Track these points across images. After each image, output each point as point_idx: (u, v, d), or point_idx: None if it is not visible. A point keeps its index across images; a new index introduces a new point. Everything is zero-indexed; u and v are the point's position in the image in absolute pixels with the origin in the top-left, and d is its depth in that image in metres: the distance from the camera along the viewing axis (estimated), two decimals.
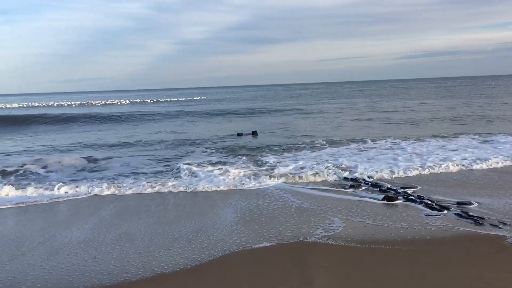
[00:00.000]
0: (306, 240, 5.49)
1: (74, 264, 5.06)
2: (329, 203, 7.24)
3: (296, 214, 6.71)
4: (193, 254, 5.20)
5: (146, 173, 10.12)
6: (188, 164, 10.74)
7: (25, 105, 58.89)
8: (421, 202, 7.04)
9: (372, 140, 14.34)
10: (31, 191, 8.53)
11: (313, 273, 4.54)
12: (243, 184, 8.73)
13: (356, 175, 9.14)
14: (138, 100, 63.85)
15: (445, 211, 6.56)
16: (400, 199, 7.27)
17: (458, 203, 6.89)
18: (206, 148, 14.20)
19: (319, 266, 4.72)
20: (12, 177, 10.10)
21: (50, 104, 60.87)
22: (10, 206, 7.76)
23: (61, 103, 63.23)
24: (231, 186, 8.59)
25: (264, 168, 10.19)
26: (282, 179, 9.00)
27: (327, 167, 9.89)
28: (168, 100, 65.02)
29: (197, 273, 4.70)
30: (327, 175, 9.21)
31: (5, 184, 8.90)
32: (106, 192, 8.48)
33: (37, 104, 61.55)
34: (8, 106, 56.70)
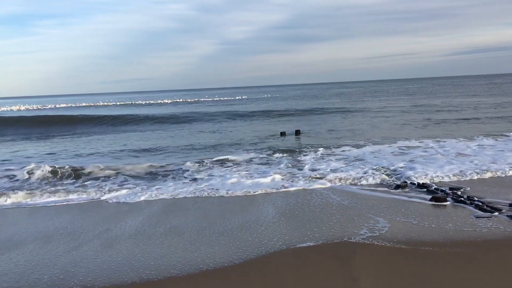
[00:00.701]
0: (350, 240, 5.43)
1: (124, 258, 5.23)
2: (373, 203, 7.14)
3: (338, 213, 6.66)
4: (237, 251, 5.25)
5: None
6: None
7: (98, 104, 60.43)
8: (471, 204, 6.81)
9: (416, 139, 13.97)
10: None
11: (358, 275, 4.48)
12: (285, 183, 8.72)
13: (401, 175, 8.95)
14: (180, 100, 64.92)
15: (496, 213, 6.33)
16: (448, 200, 7.06)
17: (511, 205, 6.62)
18: (248, 148, 14.18)
19: (364, 267, 4.66)
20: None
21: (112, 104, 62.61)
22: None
23: (115, 102, 65.11)
24: (273, 187, 8.56)
25: (306, 167, 10.14)
26: (325, 179, 8.92)
27: (370, 167, 9.74)
28: (210, 99, 65.68)
29: (241, 270, 4.75)
30: (370, 175, 9.06)
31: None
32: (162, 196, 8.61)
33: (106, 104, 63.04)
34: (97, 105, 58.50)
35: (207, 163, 11.04)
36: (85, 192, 8.75)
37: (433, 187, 7.90)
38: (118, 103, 63.39)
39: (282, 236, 5.72)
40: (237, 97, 70.16)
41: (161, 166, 10.86)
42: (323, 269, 4.67)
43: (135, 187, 8.98)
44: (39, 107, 58.25)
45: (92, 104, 65.50)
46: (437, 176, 8.82)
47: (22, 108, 57.62)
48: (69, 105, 65.06)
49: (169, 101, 63.19)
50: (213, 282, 4.51)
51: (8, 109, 56.71)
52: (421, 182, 8.32)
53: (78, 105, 63.95)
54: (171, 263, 4.98)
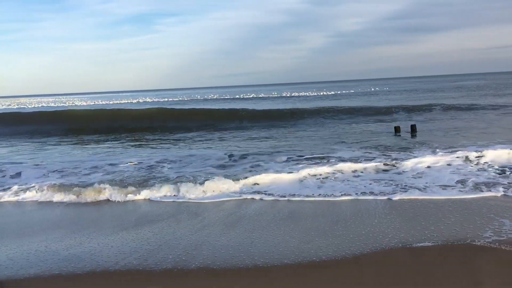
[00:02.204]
0: (474, 243, 5.07)
1: (242, 244, 5.48)
2: (495, 203, 6.61)
3: (457, 211, 6.30)
4: (350, 245, 5.21)
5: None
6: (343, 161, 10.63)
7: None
8: None
9: None
10: None
11: (482, 280, 4.20)
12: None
13: None
14: (287, 94, 64.67)
15: None
16: None
17: None
18: (361, 146, 13.17)
19: (489, 272, 4.35)
20: None
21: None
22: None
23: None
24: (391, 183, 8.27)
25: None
26: None
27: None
28: (321, 93, 64.69)
29: (354, 265, 4.72)
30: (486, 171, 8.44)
31: None
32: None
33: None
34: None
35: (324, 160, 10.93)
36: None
37: None
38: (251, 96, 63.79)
39: (397, 233, 5.55)
40: (344, 91, 68.03)
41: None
42: (443, 271, 4.46)
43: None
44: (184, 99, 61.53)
45: (242, 96, 66.45)
46: None
47: (186, 99, 61.84)
48: (214, 97, 66.81)
49: (285, 94, 63.41)
50: (324, 274, 4.54)
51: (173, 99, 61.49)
52: None
53: (226, 97, 65.53)
54: (285, 252, 5.10)
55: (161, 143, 16.65)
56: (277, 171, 9.21)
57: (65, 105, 61.91)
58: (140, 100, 65.13)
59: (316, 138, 15.96)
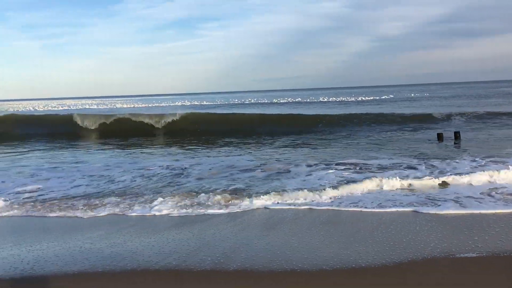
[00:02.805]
0: None
1: (280, 248, 5.46)
2: None
3: (501, 221, 6.11)
4: (391, 253, 5.12)
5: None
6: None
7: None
8: None
9: None
10: None
11: None
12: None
13: None
14: (323, 99, 63.79)
15: None
16: None
17: None
18: (402, 154, 12.69)
19: None
20: None
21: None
22: None
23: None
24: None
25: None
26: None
27: None
28: (359, 99, 63.61)
29: (394, 273, 4.64)
30: None
31: None
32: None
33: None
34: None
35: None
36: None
37: None
38: (290, 100, 63.36)
39: (439, 242, 5.40)
40: (383, 96, 66.43)
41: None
42: (487, 282, 4.33)
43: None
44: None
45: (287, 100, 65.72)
46: None
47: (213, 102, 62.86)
48: (257, 101, 66.41)
49: (322, 99, 62.74)
50: (364, 281, 4.49)
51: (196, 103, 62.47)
52: None
53: (276, 101, 63.09)
54: (323, 258, 5.07)
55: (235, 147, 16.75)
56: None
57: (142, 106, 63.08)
58: (187, 103, 66.02)
59: (353, 145, 15.77)
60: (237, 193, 8.26)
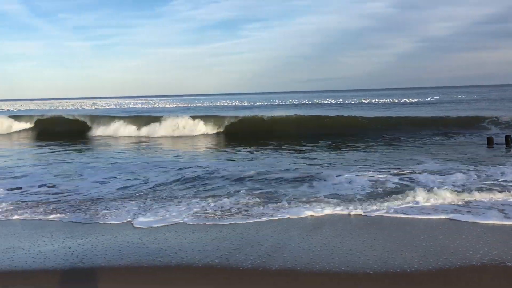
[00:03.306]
0: None
1: (323, 249, 5.44)
2: None
3: None
4: (437, 259, 4.98)
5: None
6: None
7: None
8: None
9: None
10: None
11: None
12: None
13: None
14: (366, 101, 62.15)
15: None
16: None
17: None
18: (450, 158, 12.11)
19: None
20: None
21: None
22: None
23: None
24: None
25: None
26: None
27: None
28: (403, 100, 61.82)
29: (441, 279, 4.52)
30: None
31: None
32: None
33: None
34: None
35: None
36: None
37: None
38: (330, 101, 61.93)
39: (489, 249, 5.21)
40: (427, 98, 64.27)
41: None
42: None
43: None
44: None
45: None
46: None
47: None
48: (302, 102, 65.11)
49: (364, 100, 61.37)
50: (408, 286, 4.40)
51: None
52: None
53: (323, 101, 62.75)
54: (367, 262, 4.99)
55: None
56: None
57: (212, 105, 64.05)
58: (228, 103, 66.44)
59: (396, 148, 15.45)
60: (275, 195, 8.32)
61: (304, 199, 7.89)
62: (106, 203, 8.05)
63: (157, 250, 5.55)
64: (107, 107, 66.90)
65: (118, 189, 9.31)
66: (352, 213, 6.99)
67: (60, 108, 67.66)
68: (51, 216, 7.28)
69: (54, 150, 17.26)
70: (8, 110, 61.04)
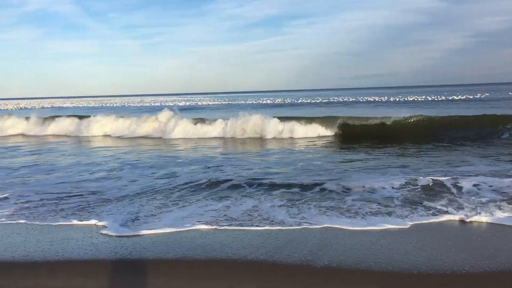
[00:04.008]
0: None
1: (370, 248, 5.36)
2: None
3: None
4: (490, 262, 4.82)
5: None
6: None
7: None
8: None
9: None
10: None
11: None
12: None
13: None
14: (413, 98, 60.01)
15: None
16: None
17: None
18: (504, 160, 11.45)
19: None
20: None
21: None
22: None
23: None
24: None
25: None
26: None
27: None
28: (451, 98, 59.51)
29: (494, 282, 4.40)
30: None
31: None
32: None
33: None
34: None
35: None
36: None
37: None
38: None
39: None
40: (477, 95, 60.98)
41: None
42: None
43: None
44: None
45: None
46: None
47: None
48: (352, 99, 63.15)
49: (411, 98, 59.16)
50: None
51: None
52: None
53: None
54: (415, 262, 4.89)
55: None
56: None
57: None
58: (268, 101, 66.31)
59: (442, 151, 14.96)
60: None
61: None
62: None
63: (202, 244, 5.64)
64: (162, 104, 66.30)
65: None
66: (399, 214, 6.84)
67: (109, 104, 69.28)
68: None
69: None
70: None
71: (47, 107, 70.91)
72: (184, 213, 7.04)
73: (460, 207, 6.86)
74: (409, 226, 6.14)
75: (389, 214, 6.73)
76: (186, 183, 9.31)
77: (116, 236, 6.09)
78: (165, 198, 8.07)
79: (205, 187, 8.92)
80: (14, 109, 68.36)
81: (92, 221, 6.79)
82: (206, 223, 6.53)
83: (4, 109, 65.27)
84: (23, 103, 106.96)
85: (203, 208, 7.34)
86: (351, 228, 6.13)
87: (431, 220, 6.36)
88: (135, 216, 6.96)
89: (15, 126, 26.72)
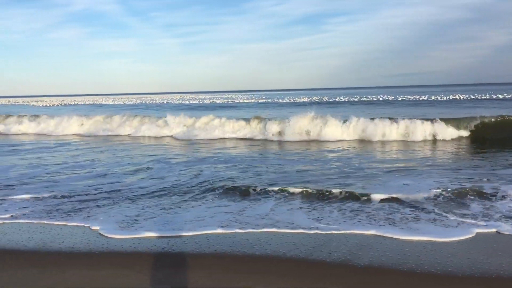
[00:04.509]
0: None
1: (412, 249, 5.29)
2: None
3: None
4: None
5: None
6: None
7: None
8: None
9: None
10: None
11: None
12: None
13: None
14: (456, 96, 56.93)
15: None
16: None
17: None
18: None
19: None
20: None
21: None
22: None
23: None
24: None
25: None
26: None
27: None
28: (496, 96, 55.75)
29: None
30: None
31: None
32: None
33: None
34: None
35: None
36: None
37: None
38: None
39: None
40: None
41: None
42: None
43: None
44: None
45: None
46: None
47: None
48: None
49: (454, 96, 55.89)
50: None
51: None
52: None
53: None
54: (459, 264, 4.79)
55: None
56: None
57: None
58: (305, 99, 65.41)
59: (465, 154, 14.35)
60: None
61: None
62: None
63: (242, 240, 5.69)
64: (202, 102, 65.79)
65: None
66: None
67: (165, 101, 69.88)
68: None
69: None
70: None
71: (89, 103, 73.05)
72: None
73: None
74: None
75: None
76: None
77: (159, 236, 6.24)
78: (210, 202, 8.01)
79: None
80: (59, 105, 70.87)
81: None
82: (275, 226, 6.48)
83: (49, 106, 67.58)
84: (67, 100, 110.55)
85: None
86: None
87: None
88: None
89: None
